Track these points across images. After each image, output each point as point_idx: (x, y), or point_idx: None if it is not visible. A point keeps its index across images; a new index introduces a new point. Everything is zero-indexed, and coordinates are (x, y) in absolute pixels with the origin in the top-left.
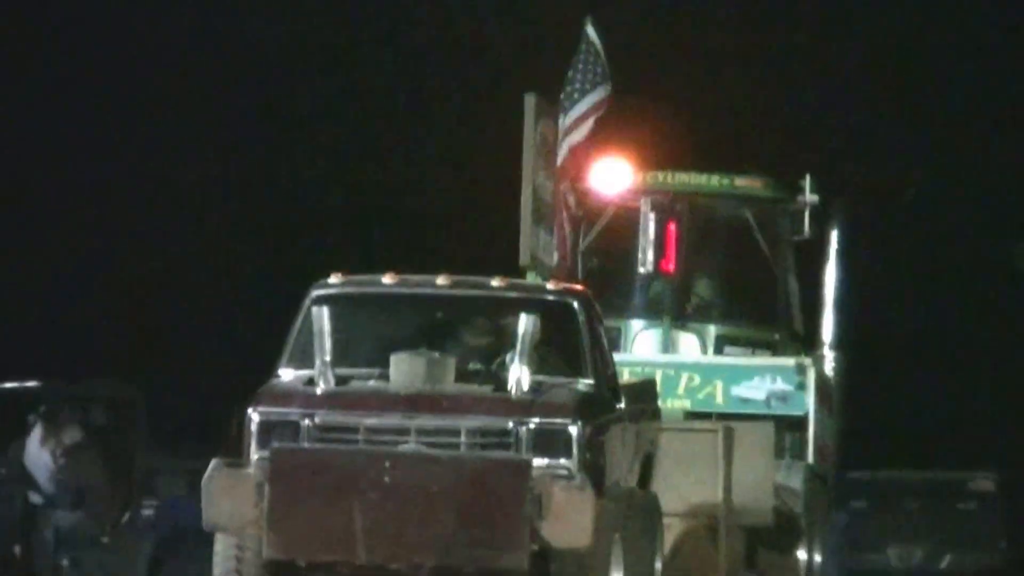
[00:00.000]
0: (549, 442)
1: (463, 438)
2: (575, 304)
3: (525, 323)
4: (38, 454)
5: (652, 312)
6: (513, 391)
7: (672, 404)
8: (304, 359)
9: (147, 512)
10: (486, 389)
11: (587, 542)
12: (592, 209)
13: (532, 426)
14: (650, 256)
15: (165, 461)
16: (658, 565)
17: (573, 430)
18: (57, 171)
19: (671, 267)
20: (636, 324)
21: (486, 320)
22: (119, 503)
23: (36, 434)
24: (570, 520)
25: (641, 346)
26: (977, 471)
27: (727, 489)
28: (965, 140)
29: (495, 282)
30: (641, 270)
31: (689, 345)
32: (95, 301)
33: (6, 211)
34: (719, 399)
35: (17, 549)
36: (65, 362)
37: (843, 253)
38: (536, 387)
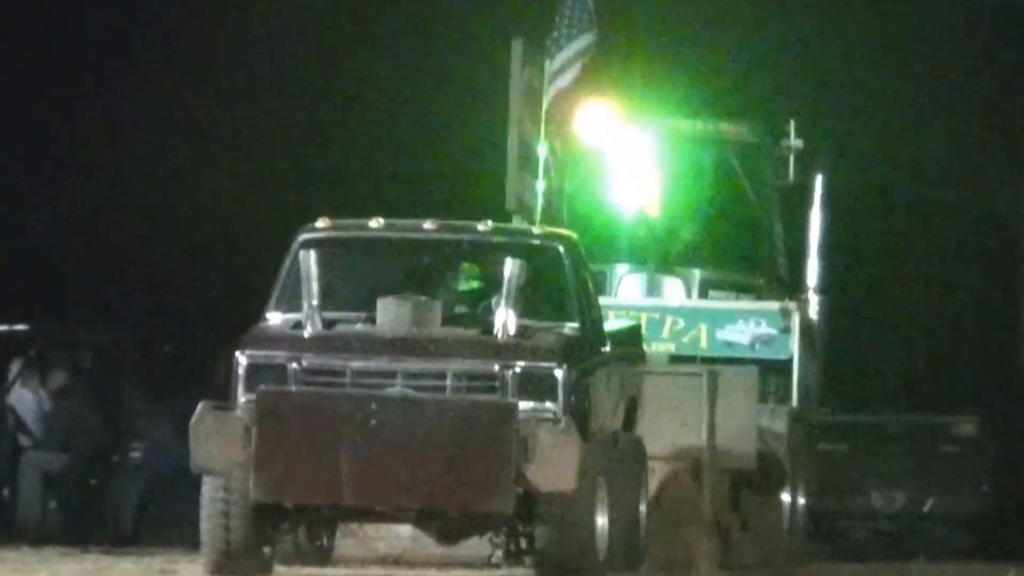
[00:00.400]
0: (535, 386)
1: (449, 381)
2: (561, 248)
3: (511, 267)
4: (26, 397)
5: (637, 256)
6: (499, 335)
7: (657, 348)
8: (292, 303)
9: (135, 455)
10: (472, 333)
11: (572, 486)
12: (578, 153)
13: (518, 370)
14: (635, 200)
15: (153, 404)
16: (643, 508)
17: (559, 374)
18: (44, 110)
19: (656, 211)
20: (621, 268)
21: (473, 264)
22: (107, 446)
23: (25, 377)
24: (555, 464)
25: (626, 290)
26: (960, 415)
27: (711, 432)
28: (948, 85)
29: (482, 226)
30: (626, 214)
31: (674, 289)
32: (84, 245)
33: None
34: (703, 343)
35: (5, 491)
36: (54, 306)
37: (827, 197)
38: (522, 331)
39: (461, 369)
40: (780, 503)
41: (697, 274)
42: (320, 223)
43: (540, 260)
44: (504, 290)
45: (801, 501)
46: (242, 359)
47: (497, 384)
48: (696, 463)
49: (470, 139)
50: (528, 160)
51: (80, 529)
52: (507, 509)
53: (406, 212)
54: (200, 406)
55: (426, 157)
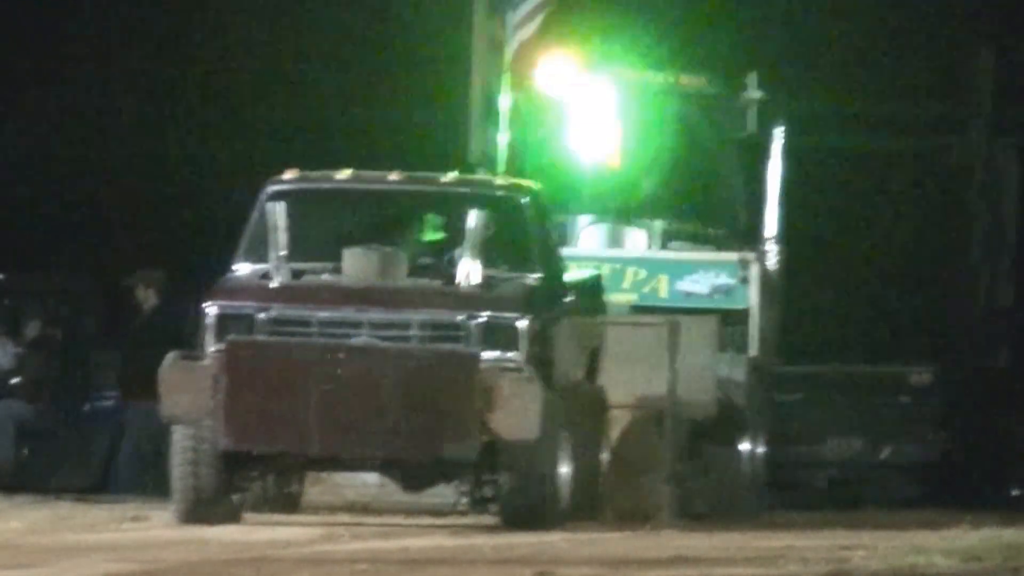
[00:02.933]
0: (498, 335)
1: (414, 331)
2: (524, 199)
3: (474, 218)
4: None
5: (598, 208)
6: (463, 285)
7: (618, 298)
8: (259, 254)
9: (106, 403)
10: (437, 283)
11: (535, 434)
12: (539, 105)
13: (481, 320)
14: (596, 152)
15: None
16: (604, 456)
17: (521, 324)
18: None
19: (617, 163)
20: (582, 219)
21: (437, 215)
22: (78, 395)
23: None
24: (518, 412)
25: (587, 241)
26: (915, 365)
27: (671, 381)
28: (903, 36)
29: (446, 178)
30: (587, 166)
31: (635, 240)
32: (54, 194)
33: None
34: (663, 293)
35: None
36: (23, 256)
37: (786, 149)
38: (486, 281)
39: (426, 319)
40: (738, 452)
41: (658, 225)
42: (287, 175)
43: (503, 211)
44: (467, 241)
45: (759, 450)
46: (211, 310)
47: (461, 334)
48: (656, 412)
49: (433, 92)
50: (491, 112)
51: (52, 477)
52: (471, 456)
53: (368, 165)
54: (169, 355)
55: (388, 110)
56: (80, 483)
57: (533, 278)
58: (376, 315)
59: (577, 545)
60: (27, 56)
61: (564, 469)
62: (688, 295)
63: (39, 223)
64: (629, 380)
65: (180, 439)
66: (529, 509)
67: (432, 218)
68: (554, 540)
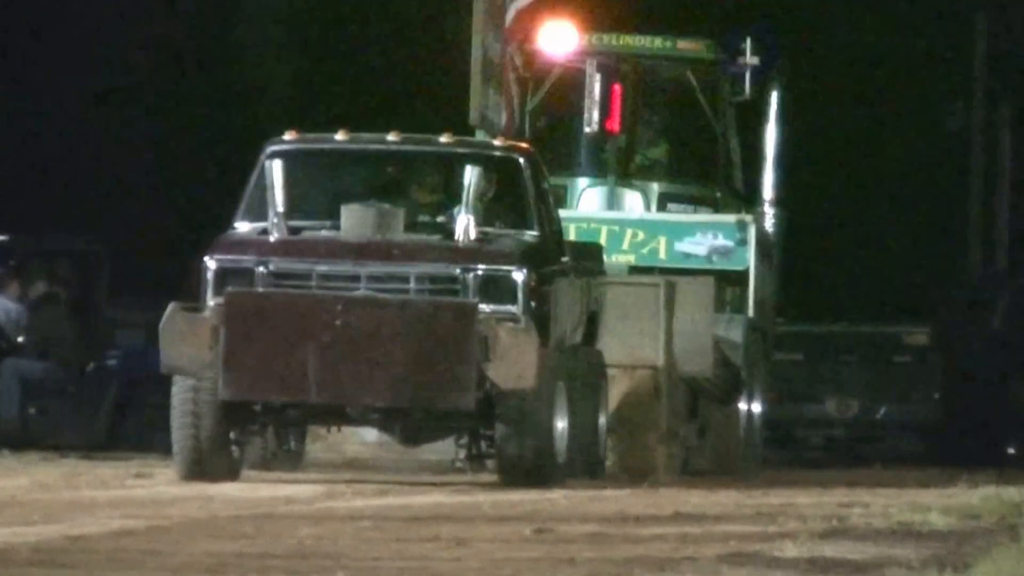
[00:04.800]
0: (495, 288)
1: (412, 284)
2: (521, 160)
3: (470, 175)
4: (6, 306)
5: (597, 171)
6: (460, 240)
7: (617, 259)
8: (259, 212)
9: (111, 362)
10: (435, 238)
11: (531, 383)
12: (539, 70)
13: (479, 273)
14: (595, 116)
15: (127, 313)
16: (602, 420)
17: (518, 277)
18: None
19: (616, 127)
20: (582, 182)
21: (435, 175)
22: (84, 353)
23: (4, 287)
24: (515, 362)
25: (587, 204)
26: (912, 325)
27: (668, 341)
28: (901, 5)
29: (444, 138)
30: (587, 129)
31: (633, 202)
32: (61, 156)
33: None
34: (662, 254)
35: None
36: (32, 217)
37: (783, 113)
38: (483, 237)
39: (424, 272)
40: (737, 411)
41: (656, 188)
42: (287, 135)
43: (501, 171)
44: (464, 197)
45: (757, 409)
46: (211, 263)
47: (459, 287)
48: (653, 371)
49: (435, 55)
50: (492, 76)
51: (58, 435)
52: (468, 406)
53: (370, 126)
54: (169, 307)
55: (391, 72)
56: (86, 441)
57: (530, 235)
58: (374, 268)
59: (577, 503)
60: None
61: (561, 425)
62: (687, 256)
63: (45, 185)
64: (626, 339)
65: (180, 390)
66: (525, 461)
67: (430, 177)
68: (554, 498)
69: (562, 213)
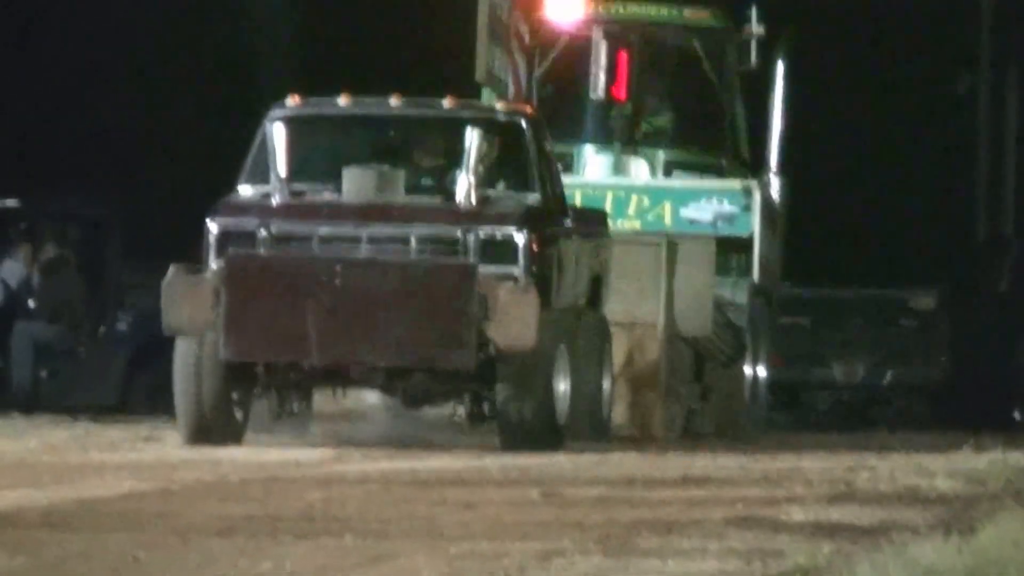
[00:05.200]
0: (496, 249)
1: (413, 246)
2: (523, 122)
3: (470, 137)
4: (18, 270)
5: (604, 138)
6: (462, 202)
7: (622, 224)
8: (262, 177)
9: (121, 326)
10: (435, 200)
11: (531, 342)
12: (546, 38)
13: (480, 234)
14: (602, 83)
15: (137, 276)
16: (606, 383)
17: (519, 238)
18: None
19: (622, 94)
20: (588, 149)
21: (438, 138)
22: (95, 317)
23: (16, 251)
24: (514, 320)
25: (593, 170)
26: (918, 289)
27: (669, 301)
28: None
29: (446, 102)
30: (593, 97)
31: (639, 169)
32: (72, 119)
33: None
34: (667, 220)
35: None
36: (43, 180)
37: (788, 82)
38: (484, 199)
39: (424, 234)
40: (742, 373)
41: (662, 155)
42: (289, 100)
43: (503, 134)
44: (465, 160)
45: (762, 373)
46: (213, 226)
47: (459, 248)
48: (653, 330)
49: (440, 12)
50: (498, 34)
51: (69, 397)
52: (469, 365)
53: (377, 85)
54: (171, 269)
55: (397, 31)
56: (97, 403)
57: (532, 197)
58: (375, 230)
59: (583, 466)
60: None
61: (563, 387)
62: (692, 222)
63: (56, 148)
64: (628, 298)
65: (183, 350)
66: (526, 424)
67: (432, 141)
68: (560, 461)
69: (568, 179)
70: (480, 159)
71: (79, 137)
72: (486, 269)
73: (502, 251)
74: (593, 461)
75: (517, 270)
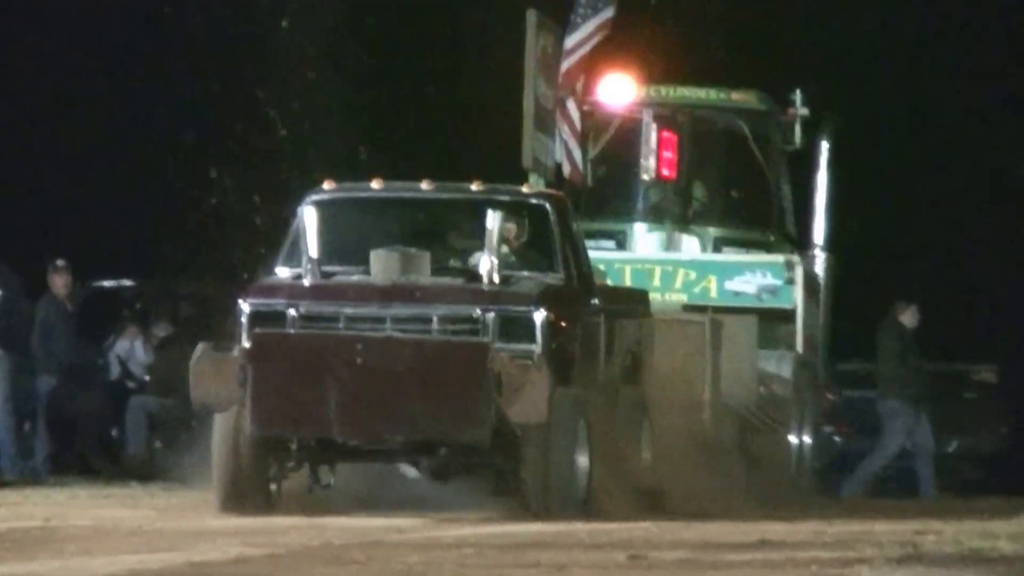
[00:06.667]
0: (514, 328)
1: (435, 325)
2: (547, 205)
3: (492, 219)
4: (133, 346)
5: (655, 216)
6: (482, 282)
7: (670, 297)
8: (298, 259)
9: None
10: (458, 280)
11: (542, 417)
12: (599, 122)
13: (498, 313)
14: (652, 164)
15: None
16: (647, 455)
17: (536, 317)
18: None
19: (672, 174)
20: (640, 227)
21: (464, 220)
22: None
23: (132, 328)
24: (526, 396)
25: (645, 247)
26: (980, 363)
27: (715, 376)
28: (960, 56)
29: (474, 186)
30: (644, 176)
31: (690, 246)
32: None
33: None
34: (713, 293)
35: (114, 432)
36: (156, 262)
37: (832, 161)
38: (505, 279)
39: (445, 313)
40: (788, 443)
41: (711, 232)
42: (325, 185)
43: (529, 217)
44: (487, 240)
45: (808, 441)
46: (245, 307)
47: (479, 328)
48: (700, 406)
49: (488, 103)
50: (544, 121)
51: (182, 467)
52: (484, 440)
53: (425, 171)
54: (199, 347)
55: (447, 120)
56: (208, 473)
57: (553, 277)
58: (398, 310)
59: (668, 530)
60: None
61: (582, 460)
62: (736, 295)
63: (168, 233)
64: (674, 374)
65: (222, 425)
66: (547, 496)
67: (460, 223)
68: (646, 526)
69: (617, 255)
70: (499, 239)
71: (188, 224)
72: (505, 347)
73: (519, 330)
74: (677, 526)
75: (535, 348)
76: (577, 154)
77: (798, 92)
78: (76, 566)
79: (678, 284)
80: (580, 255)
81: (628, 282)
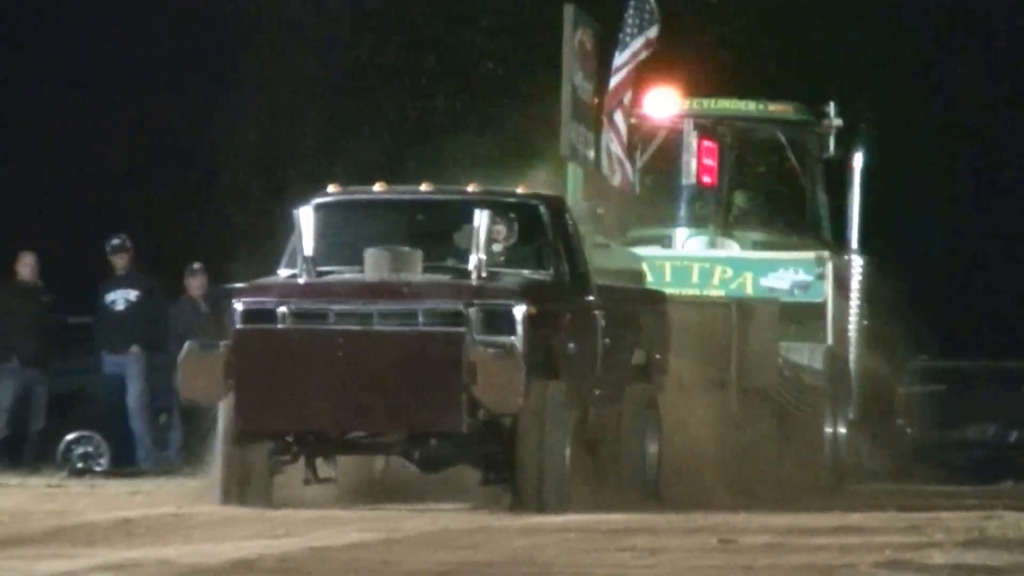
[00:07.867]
0: (496, 323)
1: (421, 320)
2: (540, 206)
3: (479, 218)
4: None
5: (698, 221)
6: (468, 278)
7: (708, 293)
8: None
9: None
10: (445, 277)
11: (516, 406)
12: (645, 133)
13: (480, 308)
14: (694, 172)
15: None
16: (653, 448)
17: (517, 311)
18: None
19: (713, 181)
20: (683, 232)
21: (458, 220)
22: None
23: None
24: (500, 384)
25: (687, 251)
26: None
27: (741, 357)
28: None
29: (471, 188)
30: (686, 184)
31: (731, 249)
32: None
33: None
34: (748, 288)
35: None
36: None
37: (866, 169)
38: (491, 275)
39: (430, 308)
40: (822, 432)
41: (751, 237)
42: (329, 188)
43: (522, 217)
44: (474, 239)
45: (841, 430)
46: (238, 306)
47: (463, 322)
48: (727, 388)
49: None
50: (581, 113)
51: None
52: (459, 428)
53: (464, 165)
54: (187, 344)
55: (487, 113)
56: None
57: (541, 274)
58: (385, 306)
59: (755, 517)
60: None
61: (567, 449)
62: (771, 290)
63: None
64: (702, 355)
65: (222, 421)
66: (533, 487)
67: (457, 224)
68: (736, 515)
69: (657, 252)
70: (487, 237)
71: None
72: (488, 341)
73: (502, 324)
74: (763, 513)
75: (517, 341)
76: (626, 164)
77: (832, 104)
78: (206, 551)
79: (716, 281)
80: (575, 254)
81: (668, 280)
